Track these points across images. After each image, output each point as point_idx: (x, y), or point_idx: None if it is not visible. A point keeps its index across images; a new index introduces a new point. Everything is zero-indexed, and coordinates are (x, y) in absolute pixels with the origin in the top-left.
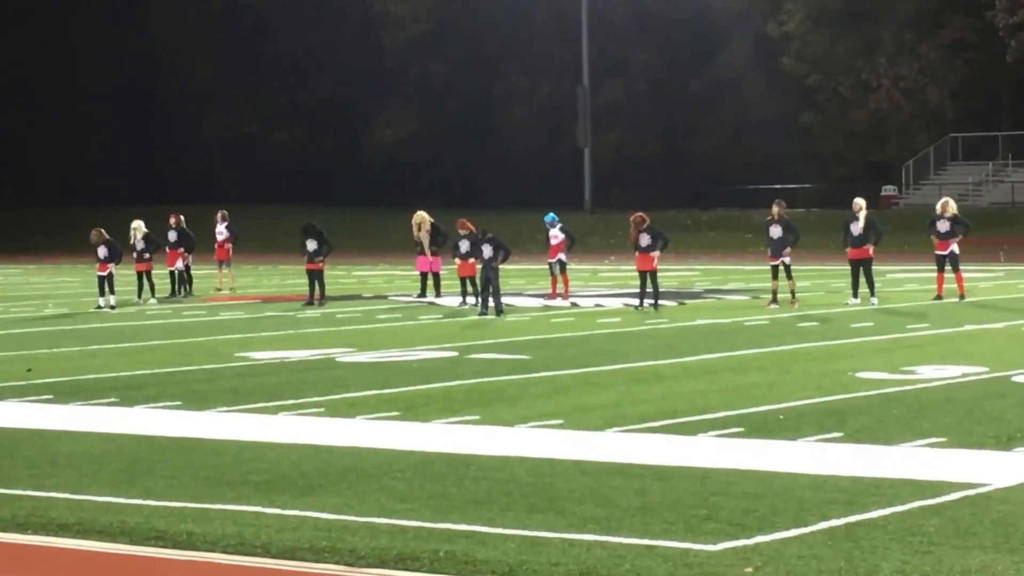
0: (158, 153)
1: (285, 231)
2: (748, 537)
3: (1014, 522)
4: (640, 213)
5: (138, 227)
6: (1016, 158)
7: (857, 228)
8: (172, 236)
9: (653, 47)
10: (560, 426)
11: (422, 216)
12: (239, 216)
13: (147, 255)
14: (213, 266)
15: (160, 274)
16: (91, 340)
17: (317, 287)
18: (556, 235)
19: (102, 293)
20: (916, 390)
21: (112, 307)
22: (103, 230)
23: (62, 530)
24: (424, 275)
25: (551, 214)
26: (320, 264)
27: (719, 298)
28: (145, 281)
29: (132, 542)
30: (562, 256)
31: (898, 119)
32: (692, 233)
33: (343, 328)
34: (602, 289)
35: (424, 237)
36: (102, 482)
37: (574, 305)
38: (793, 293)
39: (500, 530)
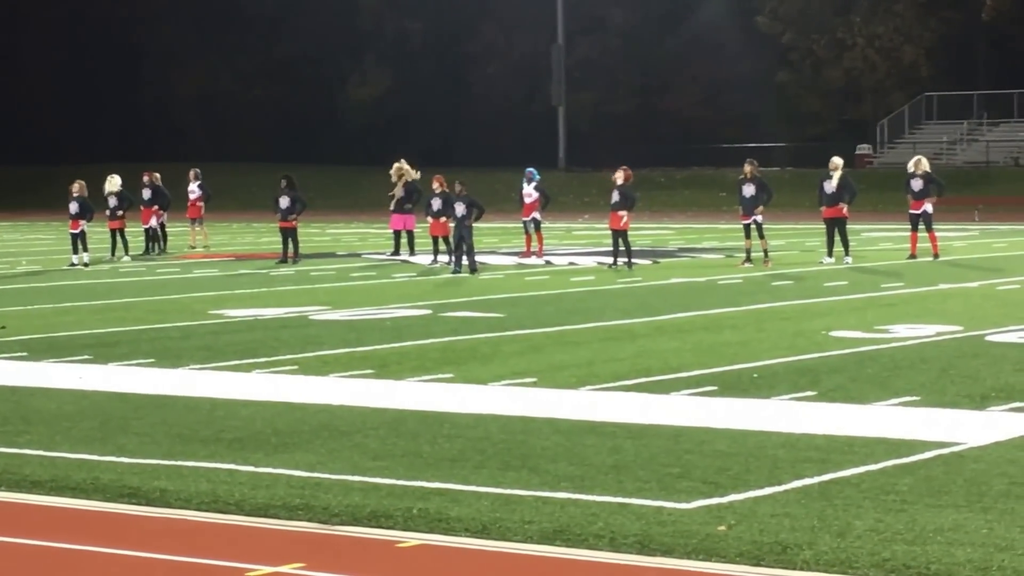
0: (132, 110)
1: (259, 188)
2: (722, 495)
3: (987, 481)
4: (624, 167)
5: (112, 184)
6: (991, 117)
7: (830, 187)
8: (146, 194)
9: (628, 5)
10: (534, 384)
11: (404, 167)
12: (213, 173)
13: (120, 212)
14: (187, 224)
15: (134, 232)
16: (65, 297)
17: (291, 245)
18: (530, 193)
19: (75, 251)
20: (890, 349)
21: (86, 264)
22: (84, 184)
23: (35, 487)
24: (398, 233)
25: (532, 169)
26: (294, 222)
27: (693, 256)
28: (119, 239)
29: (105, 499)
30: (536, 214)
31: (873, 78)
32: (667, 191)
33: (317, 286)
34: (576, 247)
35: (400, 191)
36: (75, 439)
37: (548, 263)
38: (766, 252)
39: (473, 488)
